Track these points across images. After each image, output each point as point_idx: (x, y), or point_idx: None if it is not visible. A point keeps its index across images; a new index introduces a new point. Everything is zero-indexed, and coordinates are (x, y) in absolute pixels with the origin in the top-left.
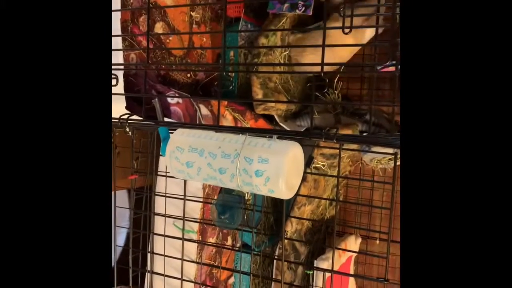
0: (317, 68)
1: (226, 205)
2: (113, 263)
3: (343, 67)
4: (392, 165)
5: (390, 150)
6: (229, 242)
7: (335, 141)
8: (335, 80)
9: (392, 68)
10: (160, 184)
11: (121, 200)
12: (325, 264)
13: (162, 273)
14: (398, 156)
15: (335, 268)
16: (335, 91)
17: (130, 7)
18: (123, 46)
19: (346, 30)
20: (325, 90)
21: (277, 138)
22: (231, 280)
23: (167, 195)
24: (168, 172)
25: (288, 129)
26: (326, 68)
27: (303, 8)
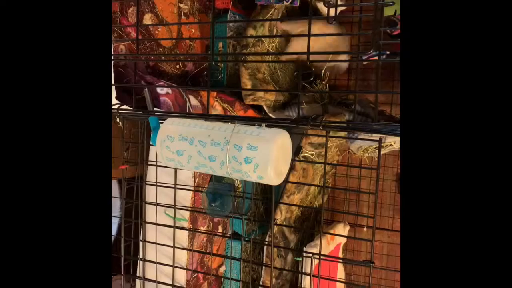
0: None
1: (217, 193)
2: None
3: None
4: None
5: (376, 138)
6: (220, 231)
7: (321, 128)
8: (323, 71)
9: (375, 58)
10: (151, 174)
11: (112, 190)
12: (314, 251)
13: (154, 261)
14: (382, 144)
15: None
16: (323, 82)
17: None
18: (112, 38)
19: (331, 21)
20: (311, 78)
21: (266, 126)
22: (222, 268)
23: (158, 184)
24: (159, 162)
25: None
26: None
27: (290, 0)
